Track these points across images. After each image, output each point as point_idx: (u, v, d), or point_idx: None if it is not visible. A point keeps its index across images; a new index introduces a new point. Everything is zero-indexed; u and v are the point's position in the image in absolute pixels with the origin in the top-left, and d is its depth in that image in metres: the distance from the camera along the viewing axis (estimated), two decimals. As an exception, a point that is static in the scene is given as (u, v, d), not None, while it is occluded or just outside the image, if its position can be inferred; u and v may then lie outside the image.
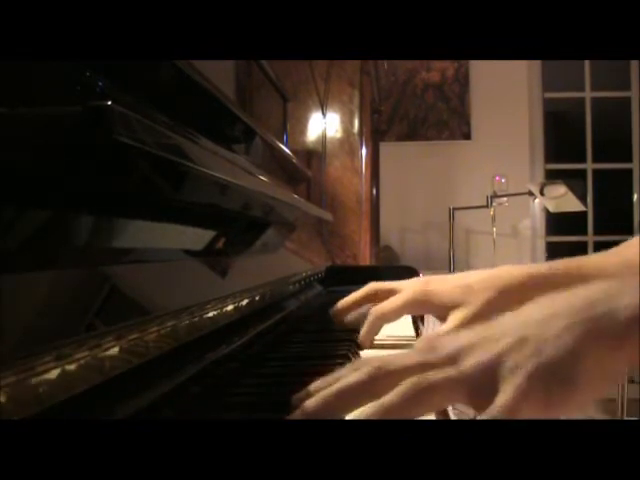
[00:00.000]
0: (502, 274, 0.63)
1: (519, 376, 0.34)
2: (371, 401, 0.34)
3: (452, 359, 0.36)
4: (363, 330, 0.66)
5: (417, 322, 0.79)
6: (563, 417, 0.35)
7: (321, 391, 0.36)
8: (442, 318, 0.64)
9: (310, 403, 0.35)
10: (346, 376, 0.36)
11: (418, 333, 0.77)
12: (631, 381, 3.06)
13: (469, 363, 0.35)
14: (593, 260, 0.64)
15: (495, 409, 0.33)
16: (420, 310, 0.67)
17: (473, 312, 0.61)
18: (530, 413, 0.34)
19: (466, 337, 0.37)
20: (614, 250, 0.65)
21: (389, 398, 0.34)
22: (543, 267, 0.63)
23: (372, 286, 0.68)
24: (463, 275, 0.65)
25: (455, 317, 0.62)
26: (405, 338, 0.73)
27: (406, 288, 0.65)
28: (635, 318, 0.34)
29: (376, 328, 0.66)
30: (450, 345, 0.37)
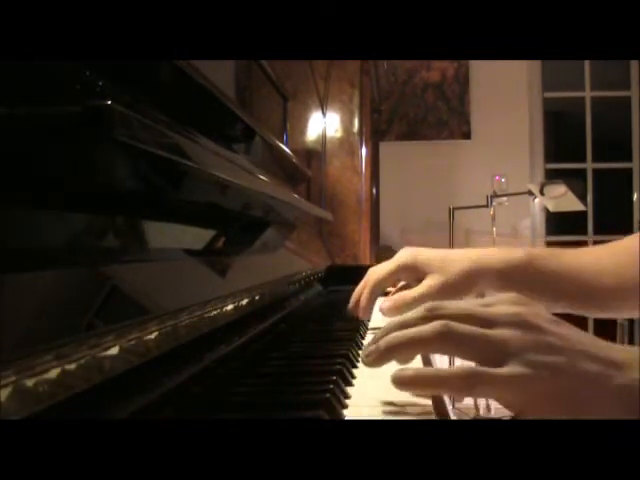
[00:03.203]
0: (483, 254, 0.67)
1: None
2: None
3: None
4: (363, 297, 0.71)
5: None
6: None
7: (391, 335, 0.39)
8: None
9: (380, 345, 0.39)
10: (416, 326, 0.39)
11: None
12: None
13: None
14: (572, 253, 0.65)
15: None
16: (409, 274, 0.70)
17: (444, 280, 0.66)
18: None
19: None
20: (602, 246, 0.65)
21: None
22: (522, 261, 0.65)
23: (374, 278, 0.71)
24: (452, 250, 0.70)
25: (428, 281, 0.66)
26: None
27: (398, 256, 0.71)
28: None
29: (374, 295, 0.71)
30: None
